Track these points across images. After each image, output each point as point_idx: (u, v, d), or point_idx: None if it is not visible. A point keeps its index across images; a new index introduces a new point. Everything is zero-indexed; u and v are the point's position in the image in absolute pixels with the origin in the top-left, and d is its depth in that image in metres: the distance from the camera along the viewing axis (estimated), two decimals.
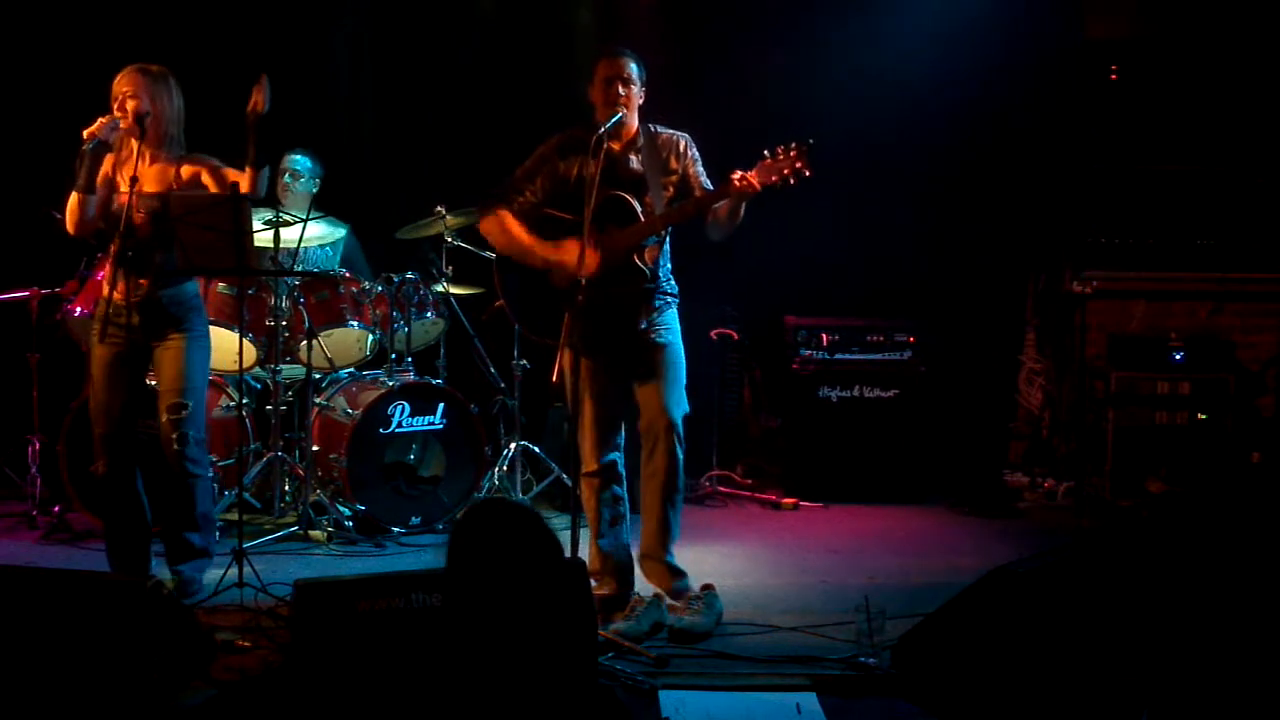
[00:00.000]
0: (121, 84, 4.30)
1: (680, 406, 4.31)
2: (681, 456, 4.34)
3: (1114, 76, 6.66)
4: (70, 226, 4.35)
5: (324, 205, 5.80)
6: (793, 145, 3.93)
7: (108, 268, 4.38)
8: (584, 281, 3.96)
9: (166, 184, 4.34)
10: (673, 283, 4.41)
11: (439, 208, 5.76)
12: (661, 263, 4.34)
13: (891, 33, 6.46)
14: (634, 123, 4.28)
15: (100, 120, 4.22)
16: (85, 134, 4.21)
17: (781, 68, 6.61)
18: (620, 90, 4.19)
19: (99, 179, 4.31)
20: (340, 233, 5.76)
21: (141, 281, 4.35)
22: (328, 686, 3.18)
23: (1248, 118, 6.56)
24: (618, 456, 4.43)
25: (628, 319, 4.27)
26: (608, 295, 4.16)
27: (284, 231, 5.23)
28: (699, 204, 4.14)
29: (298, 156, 5.84)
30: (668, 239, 4.36)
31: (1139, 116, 6.65)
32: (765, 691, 3.62)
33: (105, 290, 4.35)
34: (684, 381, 4.37)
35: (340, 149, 6.54)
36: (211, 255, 4.26)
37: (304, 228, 5.26)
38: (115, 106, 4.28)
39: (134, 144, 4.27)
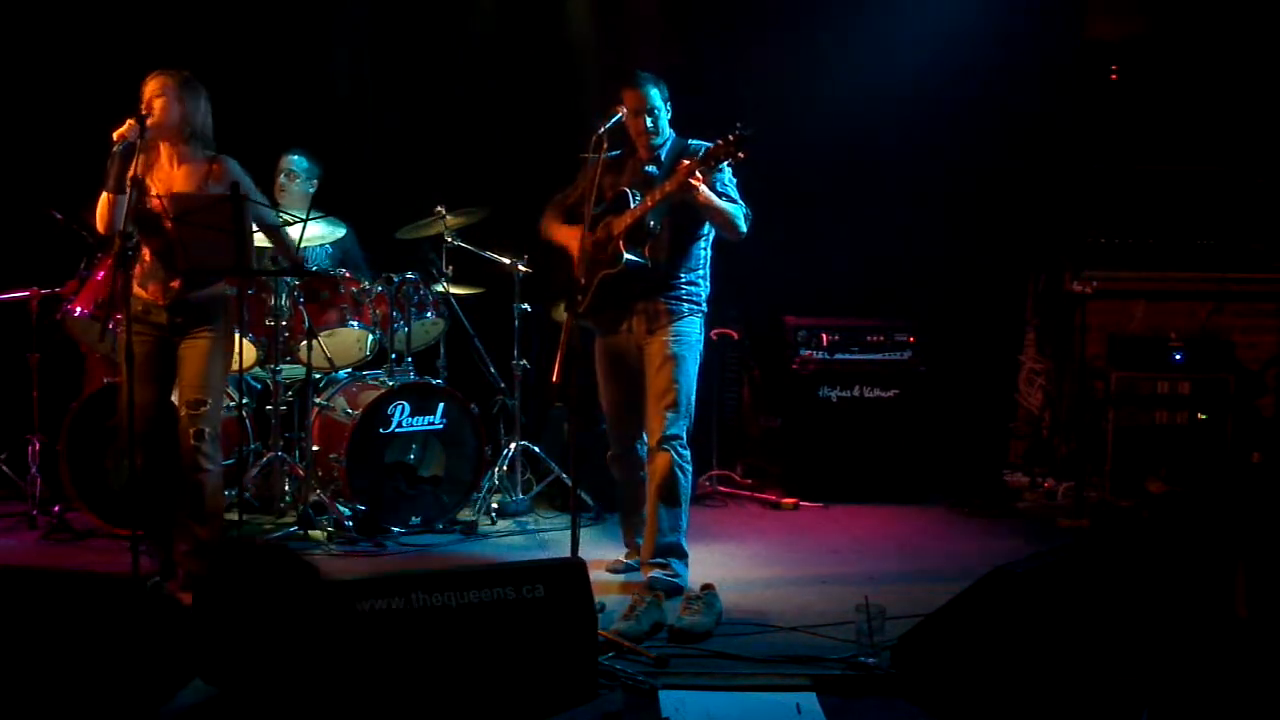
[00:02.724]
0: (150, 87, 4.35)
1: (678, 421, 4.52)
2: (679, 463, 4.54)
3: (1114, 76, 6.66)
4: (101, 227, 4.39)
5: (324, 205, 5.79)
6: (731, 132, 4.14)
7: (137, 266, 4.40)
8: (581, 280, 4.31)
9: (197, 184, 4.39)
10: (696, 292, 4.62)
11: (439, 208, 5.76)
12: (684, 265, 4.58)
13: (892, 33, 6.45)
14: (664, 135, 4.59)
15: (129, 122, 4.25)
16: (115, 135, 4.25)
17: (781, 70, 6.61)
18: (648, 122, 4.52)
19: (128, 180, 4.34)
20: (340, 232, 5.76)
21: (173, 284, 4.40)
22: (328, 686, 3.18)
23: (1248, 118, 6.56)
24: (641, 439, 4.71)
25: (625, 301, 4.56)
26: (608, 278, 4.48)
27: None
28: (663, 190, 4.36)
29: (295, 157, 5.84)
30: (696, 250, 4.60)
31: (1139, 116, 6.66)
32: (765, 691, 3.61)
33: (132, 288, 4.36)
34: (690, 395, 4.57)
35: (340, 149, 6.53)
36: (211, 255, 4.27)
37: (304, 228, 5.26)
38: (144, 109, 4.31)
39: (161, 146, 4.36)
